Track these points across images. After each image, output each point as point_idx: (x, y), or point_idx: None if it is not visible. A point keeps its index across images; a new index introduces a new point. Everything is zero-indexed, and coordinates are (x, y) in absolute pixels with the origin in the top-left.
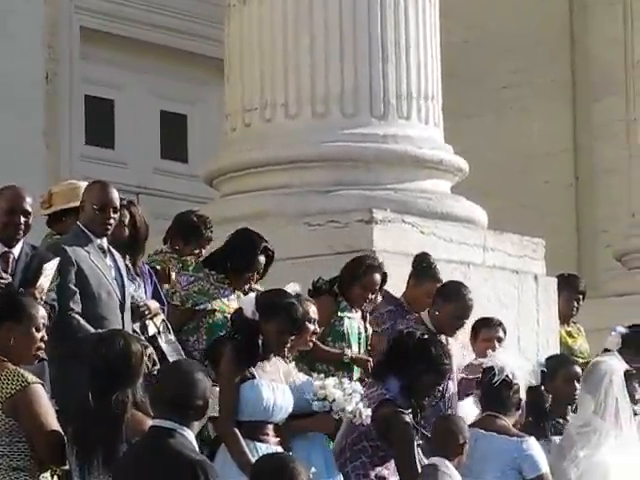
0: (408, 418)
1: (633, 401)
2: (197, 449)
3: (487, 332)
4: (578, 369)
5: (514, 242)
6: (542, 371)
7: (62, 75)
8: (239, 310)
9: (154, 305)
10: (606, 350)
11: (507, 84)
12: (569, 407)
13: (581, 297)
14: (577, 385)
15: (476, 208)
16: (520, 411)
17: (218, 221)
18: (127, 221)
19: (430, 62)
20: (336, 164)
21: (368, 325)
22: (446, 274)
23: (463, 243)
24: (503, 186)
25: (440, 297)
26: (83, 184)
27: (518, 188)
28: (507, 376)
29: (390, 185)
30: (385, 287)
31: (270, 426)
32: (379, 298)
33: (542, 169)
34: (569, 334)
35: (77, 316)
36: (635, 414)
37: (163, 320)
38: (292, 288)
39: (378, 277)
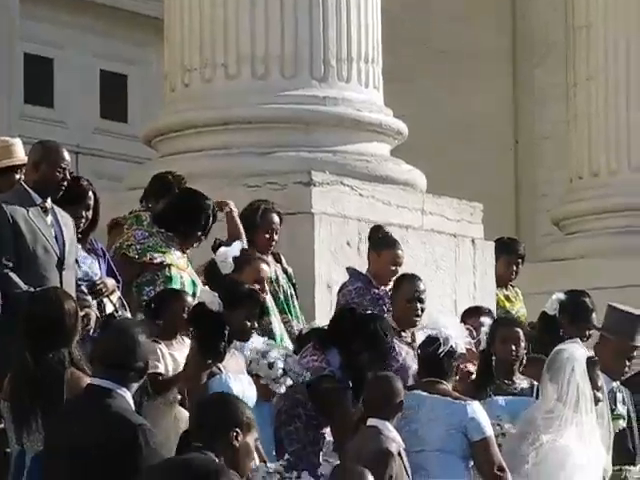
0: (348, 394)
1: (595, 388)
2: (134, 409)
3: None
4: (517, 330)
5: (452, 206)
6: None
7: (1, 33)
8: (201, 305)
9: (110, 282)
10: (544, 315)
11: (448, 48)
12: (513, 368)
13: (520, 261)
14: (514, 347)
15: (415, 171)
16: (457, 376)
17: None
18: (92, 203)
19: (371, 25)
20: (275, 126)
21: (286, 265)
22: None
23: (402, 206)
24: (442, 150)
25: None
26: (15, 141)
27: (457, 152)
28: (451, 346)
29: (329, 148)
30: (352, 265)
31: None
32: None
33: (482, 133)
34: (507, 298)
35: (10, 272)
36: (597, 401)
37: (119, 298)
38: (237, 247)
39: (276, 217)
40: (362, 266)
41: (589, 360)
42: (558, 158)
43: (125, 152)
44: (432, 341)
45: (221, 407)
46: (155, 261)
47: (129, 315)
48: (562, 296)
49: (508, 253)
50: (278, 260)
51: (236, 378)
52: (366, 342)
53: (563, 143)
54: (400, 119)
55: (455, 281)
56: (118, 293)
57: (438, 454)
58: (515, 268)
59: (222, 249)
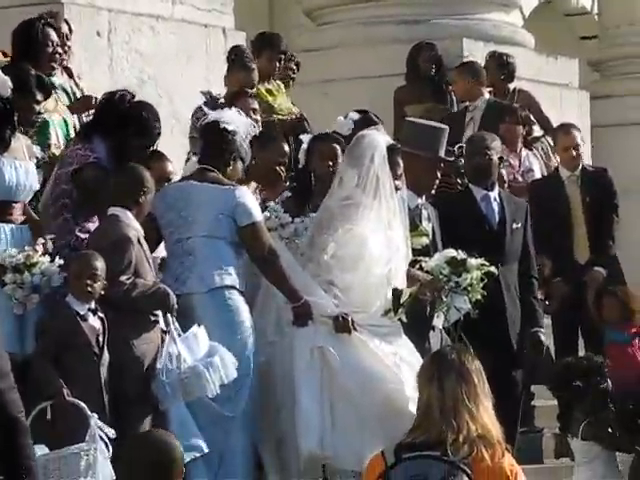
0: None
1: (395, 176)
2: None
3: None
4: (334, 145)
5: None
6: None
7: None
8: None
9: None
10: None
11: None
12: (332, 184)
13: (282, 56)
14: (332, 163)
15: None
16: (240, 164)
17: None
18: None
19: None
20: None
21: (77, 80)
22: (134, 27)
23: None
24: None
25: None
26: None
27: None
28: (224, 128)
29: None
30: None
31: (16, 206)
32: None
33: None
34: (269, 92)
35: None
36: (397, 189)
37: None
38: None
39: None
40: (113, 56)
41: (390, 147)
42: None
43: None
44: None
45: None
46: None
47: None
48: (356, 116)
49: (270, 48)
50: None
51: (12, 164)
52: (136, 127)
53: None
54: None
55: (207, 71)
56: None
57: (206, 239)
58: (277, 64)
59: None
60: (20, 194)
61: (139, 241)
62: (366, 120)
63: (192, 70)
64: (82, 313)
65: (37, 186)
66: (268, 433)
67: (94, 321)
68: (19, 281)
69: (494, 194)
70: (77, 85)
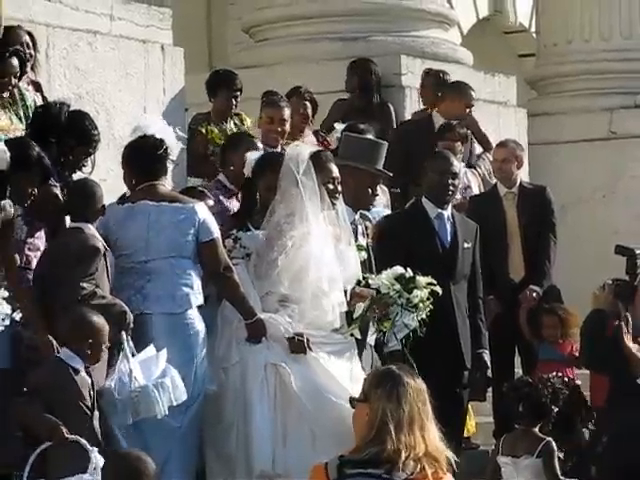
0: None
1: (328, 180)
2: None
3: None
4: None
5: (141, 11)
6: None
7: None
8: None
9: None
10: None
11: None
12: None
13: (239, 94)
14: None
15: None
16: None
17: None
18: None
19: None
20: None
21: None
22: (71, 43)
23: (90, 11)
24: None
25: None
26: None
27: None
28: (157, 140)
29: None
30: None
31: None
32: None
33: None
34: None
35: None
36: (333, 202)
37: None
38: None
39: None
40: (51, 72)
41: (314, 154)
42: None
43: None
44: (144, 143)
45: None
46: None
47: None
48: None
49: (227, 87)
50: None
51: None
52: (79, 137)
53: None
54: None
55: (145, 88)
56: None
57: (171, 259)
58: (234, 101)
59: None
60: None
61: (104, 254)
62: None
63: (130, 86)
64: (77, 367)
65: None
66: (216, 448)
67: (85, 375)
68: None
69: (447, 213)
70: (45, 99)
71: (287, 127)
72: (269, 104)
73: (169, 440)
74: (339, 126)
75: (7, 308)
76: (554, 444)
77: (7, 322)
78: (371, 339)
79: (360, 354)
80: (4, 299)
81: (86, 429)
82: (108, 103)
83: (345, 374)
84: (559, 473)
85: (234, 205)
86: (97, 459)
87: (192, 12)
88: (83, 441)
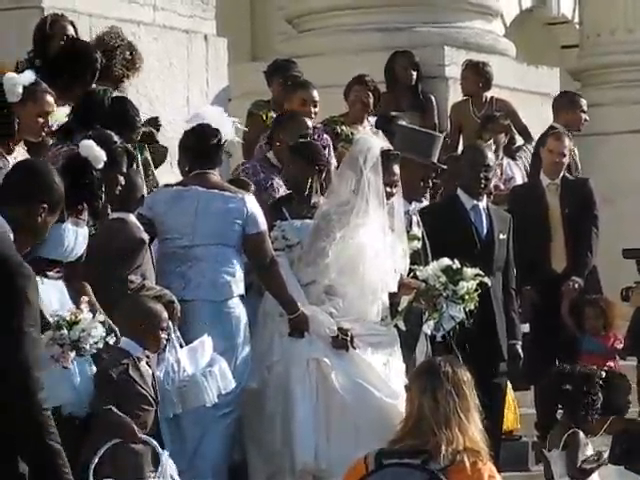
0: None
1: (388, 182)
2: None
3: None
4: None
5: (185, 1)
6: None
7: None
8: None
9: None
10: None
11: None
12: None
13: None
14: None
15: None
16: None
17: None
18: None
19: None
20: None
21: None
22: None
23: (133, 1)
24: None
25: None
26: None
27: None
28: (213, 130)
29: None
30: None
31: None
32: None
33: None
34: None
35: None
36: (390, 195)
37: None
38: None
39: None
40: None
41: (384, 152)
42: None
43: None
44: (200, 131)
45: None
46: None
47: None
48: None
49: (283, 75)
50: None
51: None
52: (119, 122)
53: None
54: None
55: (188, 78)
56: None
57: (215, 247)
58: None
59: (11, 74)
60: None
61: (149, 245)
62: None
63: (174, 77)
64: (139, 356)
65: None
66: (258, 445)
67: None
68: (57, 338)
69: (482, 204)
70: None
71: (318, 109)
72: (301, 86)
73: (207, 430)
74: (371, 118)
75: (102, 331)
76: (581, 435)
77: (100, 345)
78: (427, 328)
79: (413, 345)
80: (101, 323)
81: (151, 421)
82: (151, 93)
83: (381, 368)
84: (579, 463)
85: (278, 183)
86: (167, 461)
87: (235, 2)
88: (154, 442)
